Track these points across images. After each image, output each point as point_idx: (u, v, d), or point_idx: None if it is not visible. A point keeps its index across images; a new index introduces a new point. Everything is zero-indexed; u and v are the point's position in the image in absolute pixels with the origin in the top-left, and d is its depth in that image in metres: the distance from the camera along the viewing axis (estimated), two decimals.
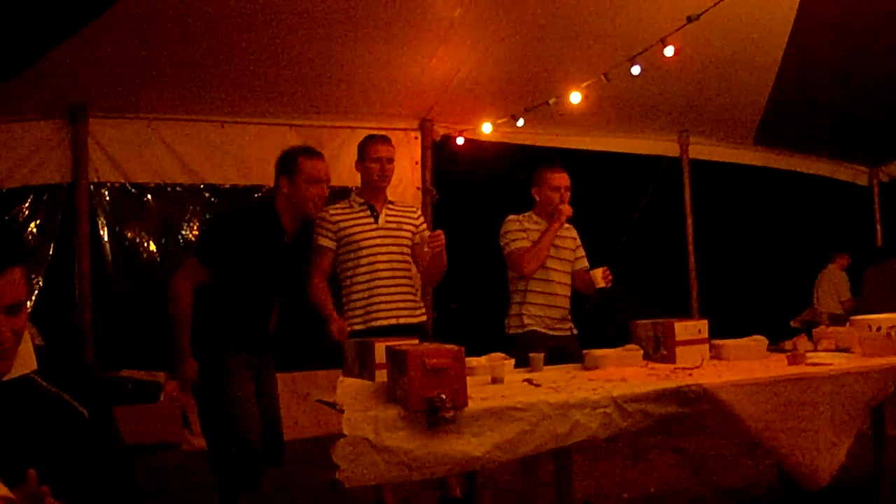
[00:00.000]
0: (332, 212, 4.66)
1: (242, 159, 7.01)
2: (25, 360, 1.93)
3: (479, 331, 4.87)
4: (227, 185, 7.01)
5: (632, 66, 5.82)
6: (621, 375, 3.69)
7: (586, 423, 3.16)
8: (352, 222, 4.65)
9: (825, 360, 3.94)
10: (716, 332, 4.29)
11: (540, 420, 3.08)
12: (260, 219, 4.03)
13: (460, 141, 7.53)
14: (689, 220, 8.35)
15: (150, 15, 5.25)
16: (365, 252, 4.62)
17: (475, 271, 5.21)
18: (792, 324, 8.77)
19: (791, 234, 9.66)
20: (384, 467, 2.88)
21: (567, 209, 4.96)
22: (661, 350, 4.15)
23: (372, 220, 4.70)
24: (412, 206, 5.07)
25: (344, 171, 7.12)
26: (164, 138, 6.81)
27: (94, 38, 5.31)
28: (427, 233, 4.67)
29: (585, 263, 5.20)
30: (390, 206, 4.82)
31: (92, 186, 6.56)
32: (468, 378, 3.07)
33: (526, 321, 4.95)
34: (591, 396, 3.21)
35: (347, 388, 3.21)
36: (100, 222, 6.67)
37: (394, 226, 4.74)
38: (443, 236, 4.54)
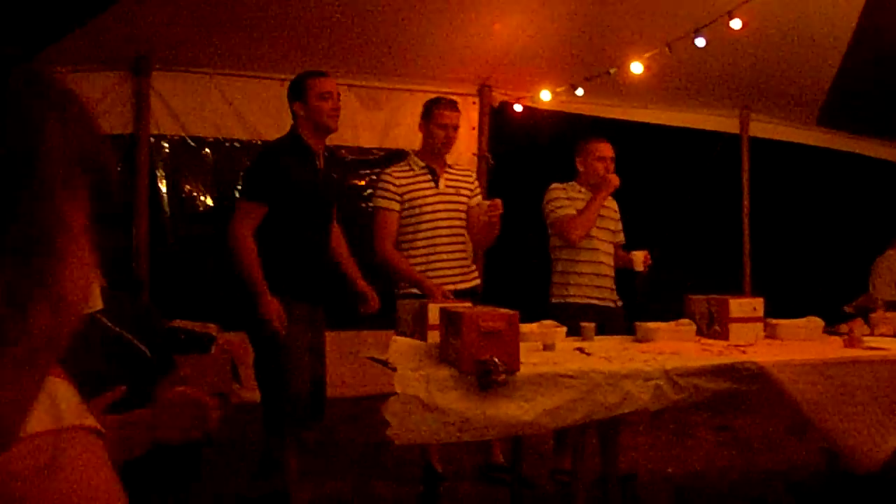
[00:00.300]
0: (394, 174, 4.68)
1: None
2: (91, 299, 1.97)
3: (530, 299, 4.86)
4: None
5: (696, 38, 5.73)
6: (674, 349, 3.67)
7: (637, 395, 3.15)
8: (414, 186, 4.66)
9: (883, 345, 3.88)
10: (768, 312, 4.25)
11: (591, 389, 3.09)
12: (291, 145, 4.22)
13: (518, 108, 7.48)
14: (746, 199, 8.23)
15: None
16: (426, 217, 4.64)
17: (527, 239, 5.20)
18: (846, 309, 8.62)
19: (850, 217, 9.48)
20: (434, 427, 2.90)
21: (615, 178, 4.92)
22: (714, 326, 4.12)
23: (433, 184, 4.70)
24: (468, 170, 5.07)
25: (401, 133, 7.14)
26: (224, 93, 6.84)
27: None
28: (485, 201, 4.66)
29: (622, 238, 5.18)
30: (449, 169, 4.82)
31: (152, 138, 6.63)
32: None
33: (570, 290, 4.93)
34: (644, 368, 3.20)
35: (400, 347, 3.24)
36: (158, 174, 6.74)
37: (452, 190, 4.75)
38: (501, 205, 4.54)
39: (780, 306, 4.50)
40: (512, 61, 6.94)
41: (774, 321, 4.24)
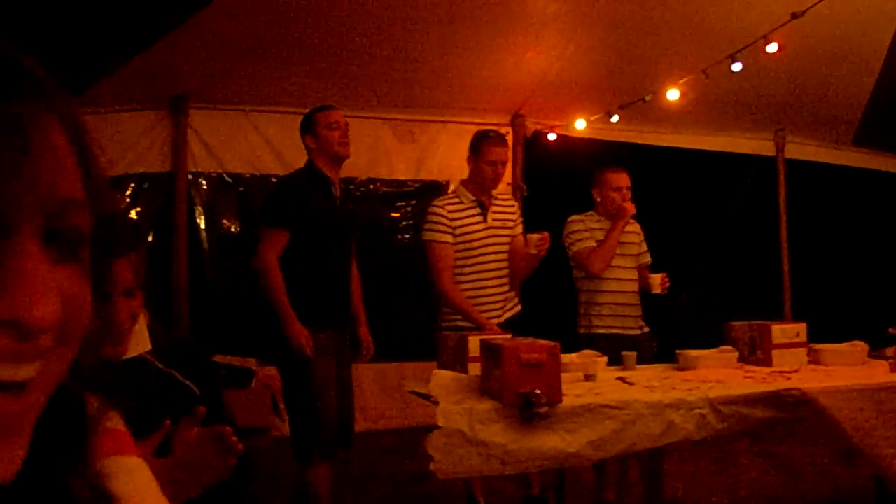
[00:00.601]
0: (446, 207, 4.70)
1: None
2: (141, 341, 2.00)
3: (564, 329, 4.86)
4: None
5: (733, 63, 5.71)
6: (717, 377, 3.63)
7: (681, 424, 3.13)
8: (465, 220, 4.69)
9: None
10: (811, 336, 4.20)
11: (634, 419, 3.06)
12: (307, 174, 4.35)
13: (552, 137, 7.49)
14: (784, 221, 8.17)
15: (249, 8, 5.34)
16: (475, 251, 4.67)
17: (562, 268, 5.20)
18: (891, 331, 8.49)
19: (890, 237, 9.37)
20: (477, 460, 2.89)
21: (631, 207, 4.92)
22: (757, 352, 4.08)
23: (481, 217, 4.73)
24: (510, 198, 5.08)
25: (436, 165, 7.18)
26: (260, 129, 6.92)
27: (195, 30, 5.43)
28: (534, 234, 4.66)
29: (649, 259, 5.17)
30: (496, 201, 4.84)
31: (190, 175, 6.72)
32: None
33: (595, 322, 4.93)
34: (687, 397, 3.17)
35: (441, 380, 3.23)
36: (196, 210, 6.82)
37: (499, 223, 4.78)
38: (549, 238, 4.57)
39: (823, 331, 4.45)
40: (545, 90, 6.96)
41: (818, 346, 4.19)
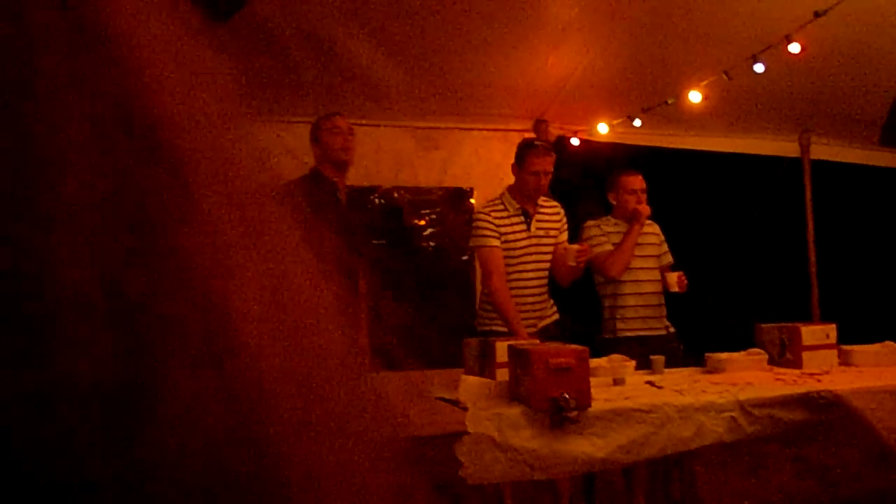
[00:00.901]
0: (492, 214, 4.71)
1: (360, 161, 7.11)
2: None
3: (590, 333, 4.86)
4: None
5: (754, 63, 5.69)
6: (746, 380, 3.61)
7: (712, 428, 3.11)
8: (509, 228, 4.70)
9: None
10: (840, 338, 4.17)
11: (664, 423, 3.05)
12: (311, 177, 4.45)
13: (575, 142, 7.49)
14: (810, 223, 8.11)
15: (272, 21, 5.37)
16: (516, 260, 4.68)
17: (585, 274, 5.19)
18: None
19: None
20: (507, 465, 2.89)
21: (646, 209, 4.92)
22: (786, 354, 4.05)
23: (525, 226, 4.73)
24: (556, 206, 5.03)
25: (459, 172, 7.18)
26: (284, 141, 6.94)
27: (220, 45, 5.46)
28: (573, 246, 4.67)
29: (670, 259, 5.15)
30: (540, 209, 4.83)
31: None
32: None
33: (619, 325, 4.91)
34: (717, 400, 3.16)
35: (469, 385, 3.23)
36: None
37: (542, 232, 4.78)
38: (588, 250, 4.60)
39: (852, 331, 4.42)
40: (567, 96, 6.96)
41: (848, 347, 4.16)
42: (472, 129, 6.99)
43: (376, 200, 7.14)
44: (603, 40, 6.12)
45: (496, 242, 4.66)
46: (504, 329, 4.54)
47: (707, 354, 4.14)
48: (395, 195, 7.07)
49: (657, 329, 4.93)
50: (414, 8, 5.49)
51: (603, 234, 4.96)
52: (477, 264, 7.04)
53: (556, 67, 6.54)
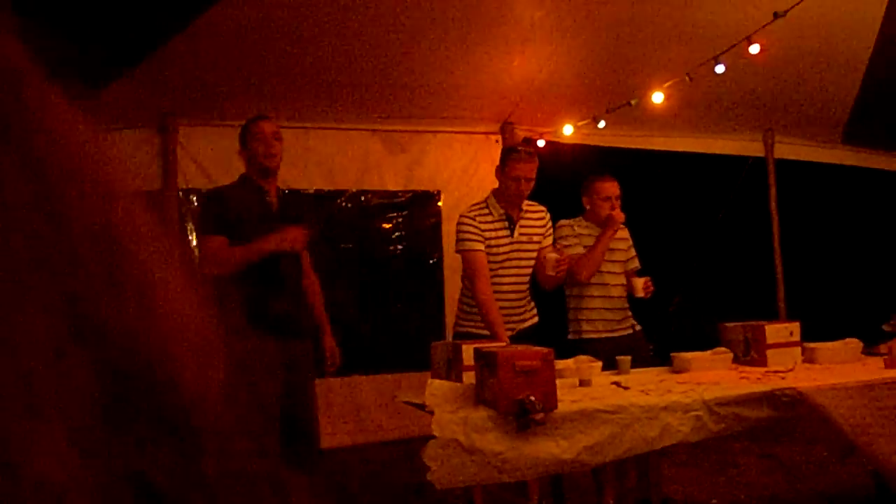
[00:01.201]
0: (476, 219, 4.71)
1: (326, 165, 7.10)
2: None
3: (556, 335, 4.88)
4: (312, 191, 7.09)
5: (716, 65, 5.73)
6: (712, 379, 3.64)
7: (677, 427, 3.13)
8: (493, 233, 4.71)
9: None
10: (805, 335, 4.21)
11: (630, 423, 3.06)
12: (238, 184, 4.43)
13: (541, 144, 7.50)
14: (776, 221, 8.18)
15: (235, 25, 5.35)
16: (497, 266, 4.70)
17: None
18: (885, 328, 8.51)
19: (882, 234, 9.39)
20: (474, 469, 2.89)
21: (619, 215, 4.96)
22: (751, 353, 4.09)
23: (508, 232, 4.75)
24: (541, 211, 5.01)
25: (426, 175, 7.18)
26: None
27: (181, 49, 5.43)
28: (553, 255, 4.68)
29: (637, 264, 5.20)
30: (524, 214, 4.83)
31: (181, 193, 6.71)
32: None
33: (584, 326, 4.96)
34: (682, 399, 3.18)
35: (436, 389, 3.23)
36: (188, 227, 6.81)
37: (525, 238, 4.79)
38: (567, 261, 4.65)
39: (817, 329, 4.46)
40: (532, 97, 6.97)
41: (812, 345, 4.20)
42: (438, 132, 6.99)
43: (343, 204, 7.11)
44: (568, 42, 6.14)
45: (481, 246, 4.66)
46: (482, 331, 4.54)
47: (673, 354, 4.17)
48: (362, 199, 7.04)
49: (622, 330, 4.98)
50: (380, 10, 5.48)
51: (575, 235, 4.99)
52: (445, 268, 7.07)
53: (522, 69, 6.56)
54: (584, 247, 4.94)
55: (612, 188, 5.02)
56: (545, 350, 2.96)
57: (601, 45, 6.17)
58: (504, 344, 4.08)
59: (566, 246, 4.94)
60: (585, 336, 4.90)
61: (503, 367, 2.86)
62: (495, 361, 2.88)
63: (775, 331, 4.08)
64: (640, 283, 4.91)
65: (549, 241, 4.92)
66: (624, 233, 5.16)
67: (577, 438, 2.97)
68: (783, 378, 3.56)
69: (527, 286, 4.86)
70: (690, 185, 8.35)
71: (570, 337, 4.99)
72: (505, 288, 4.72)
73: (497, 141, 7.59)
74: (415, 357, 4.67)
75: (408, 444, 5.71)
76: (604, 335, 4.90)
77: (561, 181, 7.95)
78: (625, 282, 5.05)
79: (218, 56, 5.72)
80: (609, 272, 4.99)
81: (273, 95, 6.45)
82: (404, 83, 6.51)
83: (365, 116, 7.03)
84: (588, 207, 5.07)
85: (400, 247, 7.19)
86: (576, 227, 5.03)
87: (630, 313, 5.06)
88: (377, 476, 5.82)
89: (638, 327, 5.05)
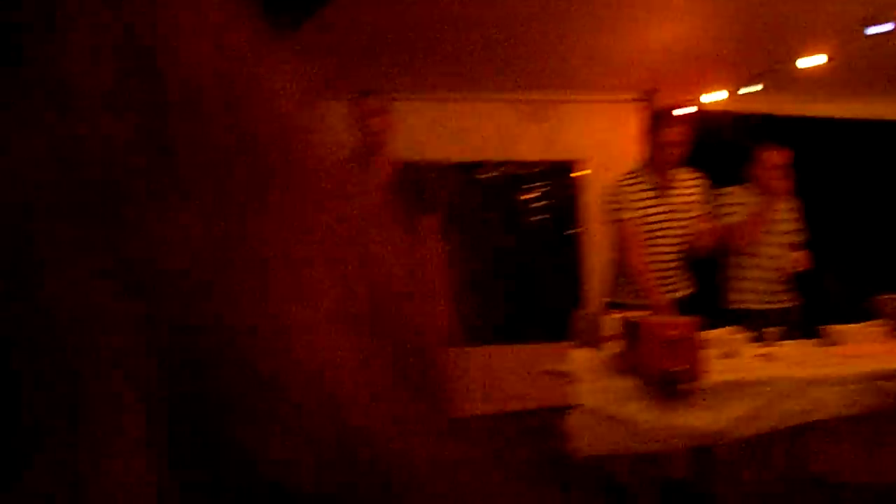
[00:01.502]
0: (625, 187, 4.66)
1: (463, 136, 7.12)
2: None
3: (709, 304, 4.78)
4: (451, 162, 7.13)
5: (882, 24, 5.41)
6: (865, 352, 3.49)
7: (829, 401, 3.03)
8: (645, 202, 4.63)
9: None
10: None
11: (779, 396, 2.98)
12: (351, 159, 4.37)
13: (688, 110, 7.31)
14: None
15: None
16: (652, 234, 4.62)
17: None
18: None
19: None
20: (615, 438, 2.87)
21: (785, 185, 4.77)
22: None
23: (659, 199, 4.66)
24: (696, 178, 4.89)
25: (565, 145, 7.12)
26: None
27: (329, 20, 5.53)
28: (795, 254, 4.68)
29: (802, 237, 5.01)
30: (678, 182, 4.74)
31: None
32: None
33: (743, 296, 4.83)
34: (834, 373, 3.07)
35: (578, 359, 3.22)
36: None
37: (677, 206, 4.69)
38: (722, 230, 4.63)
39: None
40: (679, 63, 6.78)
41: None
42: (580, 102, 6.91)
43: (483, 176, 7.14)
44: (712, 5, 5.94)
45: (629, 215, 4.58)
46: (635, 302, 4.47)
47: (824, 327, 4.02)
48: (501, 170, 7.06)
49: (776, 303, 4.83)
50: None
51: (740, 202, 4.86)
52: (585, 239, 7.01)
53: (668, 34, 6.38)
54: (747, 215, 4.81)
55: (779, 157, 4.87)
56: (692, 319, 2.90)
57: (754, 4, 5.92)
58: (649, 313, 4.03)
59: (727, 214, 4.82)
60: (738, 307, 4.77)
61: (647, 336, 2.83)
62: (641, 331, 2.85)
63: None
64: (796, 256, 4.76)
65: (707, 208, 4.79)
66: (791, 204, 5.00)
67: (724, 410, 2.92)
68: None
69: (681, 254, 4.75)
70: (849, 154, 7.99)
71: (724, 306, 4.88)
72: (662, 257, 4.62)
73: (643, 108, 7.43)
74: (555, 328, 4.65)
75: (543, 413, 5.71)
76: (757, 306, 4.77)
77: (711, 149, 7.75)
78: (786, 253, 4.89)
79: (352, 29, 5.80)
80: (767, 244, 4.85)
81: (408, 67, 6.50)
82: (542, 52, 6.45)
83: (503, 86, 7.01)
84: (755, 176, 4.92)
85: (540, 217, 7.18)
86: (740, 195, 4.90)
87: (791, 287, 4.89)
88: (514, 445, 5.84)
89: (797, 303, 4.89)
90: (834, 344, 3.86)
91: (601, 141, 6.99)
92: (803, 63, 6.09)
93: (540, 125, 7.19)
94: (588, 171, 7.01)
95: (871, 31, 5.38)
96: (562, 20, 5.99)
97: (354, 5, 5.43)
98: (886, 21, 5.37)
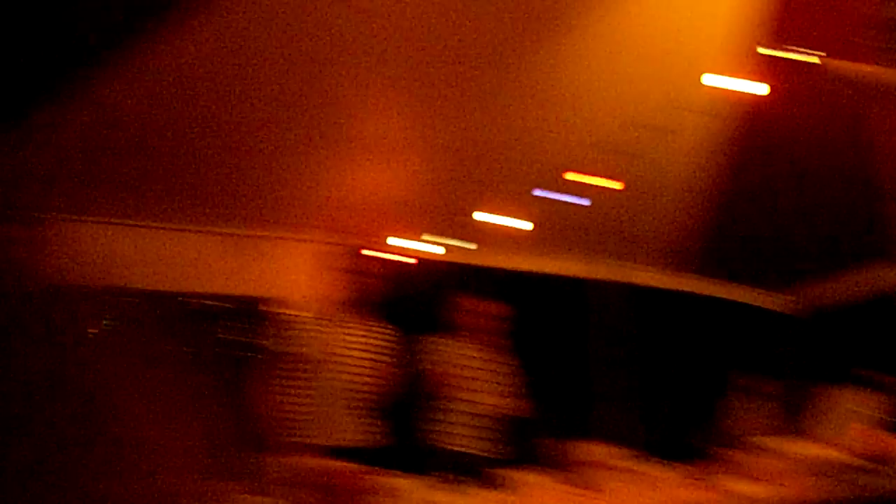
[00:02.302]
0: (306, 325, 4.61)
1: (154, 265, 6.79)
2: None
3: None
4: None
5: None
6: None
7: None
8: (318, 341, 4.57)
9: None
10: None
11: None
12: None
13: (386, 256, 7.36)
14: None
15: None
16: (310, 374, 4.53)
17: None
18: None
19: None
20: None
21: (490, 335, 5.01)
22: None
23: (339, 342, 4.59)
24: (382, 326, 4.89)
25: (256, 281, 6.95)
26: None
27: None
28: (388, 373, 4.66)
29: (513, 385, 5.14)
30: (361, 328, 4.75)
31: None
32: None
33: (449, 440, 4.95)
34: None
35: None
36: None
37: (359, 351, 4.67)
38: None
39: None
40: (376, 210, 6.88)
41: None
42: (270, 238, 6.88)
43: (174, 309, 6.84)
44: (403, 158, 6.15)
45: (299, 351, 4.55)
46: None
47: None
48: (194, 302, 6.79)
49: (478, 449, 4.89)
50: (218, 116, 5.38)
51: (439, 350, 4.96)
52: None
53: (367, 180, 6.51)
54: (445, 363, 4.91)
55: (483, 307, 5.01)
56: (352, 467, 2.82)
57: (439, 162, 6.18)
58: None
59: (424, 361, 4.86)
60: (443, 450, 4.88)
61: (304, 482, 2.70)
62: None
63: None
64: (501, 403, 4.87)
65: (392, 356, 4.76)
66: (501, 354, 5.10)
67: None
68: None
69: (359, 400, 4.65)
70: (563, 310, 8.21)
71: (427, 451, 4.93)
72: (327, 399, 4.52)
73: (338, 250, 7.44)
74: None
75: None
76: (460, 450, 4.88)
77: (415, 297, 7.80)
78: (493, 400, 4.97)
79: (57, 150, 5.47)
80: (472, 390, 4.96)
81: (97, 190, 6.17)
82: (244, 189, 6.37)
83: (203, 217, 6.81)
84: (460, 325, 5.00)
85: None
86: (442, 344, 4.95)
87: (498, 433, 5.02)
88: None
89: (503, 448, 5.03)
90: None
91: (292, 280, 6.91)
92: (480, 217, 6.38)
93: (235, 259, 7.02)
94: (279, 309, 6.88)
95: (540, 193, 5.74)
96: (266, 160, 5.97)
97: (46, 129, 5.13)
98: (557, 188, 5.76)
